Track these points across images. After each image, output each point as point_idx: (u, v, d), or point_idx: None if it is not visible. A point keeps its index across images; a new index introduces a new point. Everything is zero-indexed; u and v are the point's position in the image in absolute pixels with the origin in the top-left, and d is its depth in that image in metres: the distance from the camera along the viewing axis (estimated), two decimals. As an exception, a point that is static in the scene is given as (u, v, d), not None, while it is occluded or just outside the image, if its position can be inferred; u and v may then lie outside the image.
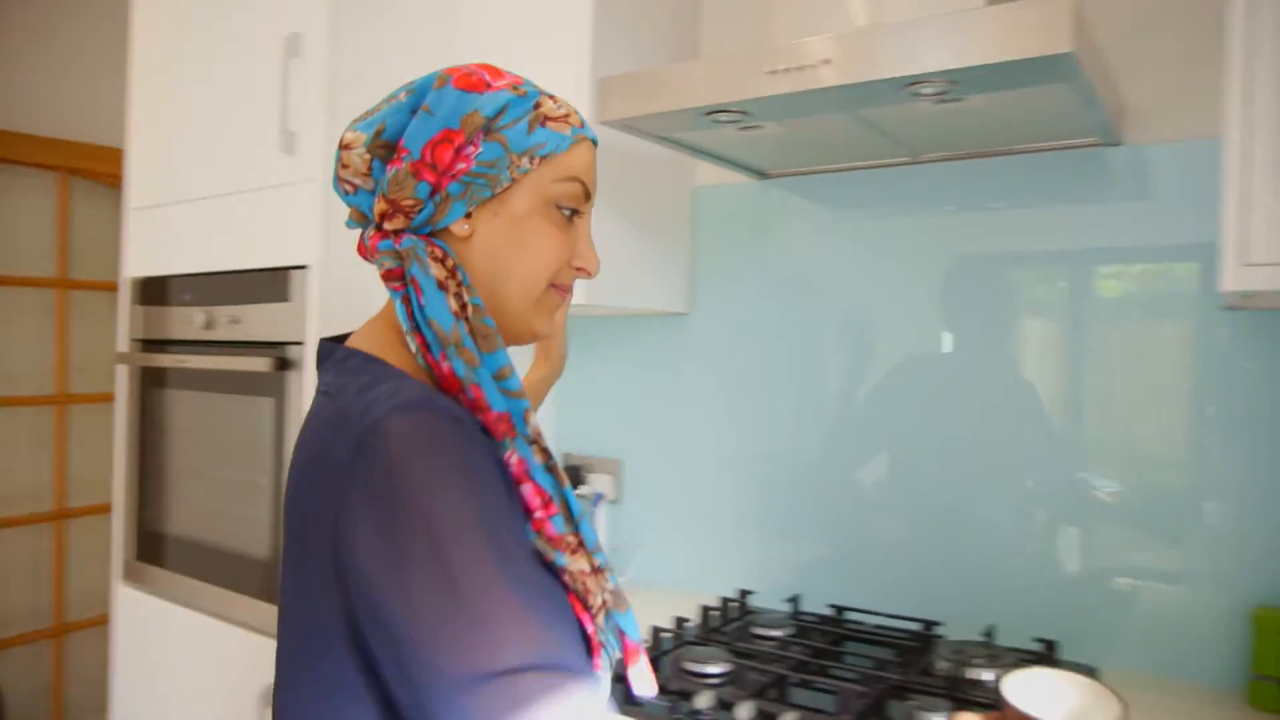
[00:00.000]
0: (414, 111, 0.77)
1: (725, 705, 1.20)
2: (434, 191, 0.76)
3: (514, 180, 0.78)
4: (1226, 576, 1.39)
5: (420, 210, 0.77)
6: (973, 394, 1.61)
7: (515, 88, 0.79)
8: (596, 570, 0.78)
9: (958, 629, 1.52)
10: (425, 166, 0.76)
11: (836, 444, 1.75)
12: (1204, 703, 1.33)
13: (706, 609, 1.59)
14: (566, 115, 0.81)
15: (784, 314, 1.81)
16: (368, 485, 0.67)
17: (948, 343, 1.65)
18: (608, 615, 0.79)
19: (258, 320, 1.67)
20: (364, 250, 0.82)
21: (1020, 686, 0.78)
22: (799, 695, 1.29)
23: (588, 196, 0.83)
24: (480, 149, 0.76)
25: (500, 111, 0.77)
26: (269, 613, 1.66)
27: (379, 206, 0.78)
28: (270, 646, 1.63)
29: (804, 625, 1.57)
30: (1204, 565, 1.41)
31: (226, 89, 1.75)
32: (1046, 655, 1.40)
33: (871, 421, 1.72)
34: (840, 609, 1.62)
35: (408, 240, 0.77)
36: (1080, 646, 1.45)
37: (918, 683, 1.28)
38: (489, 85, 0.78)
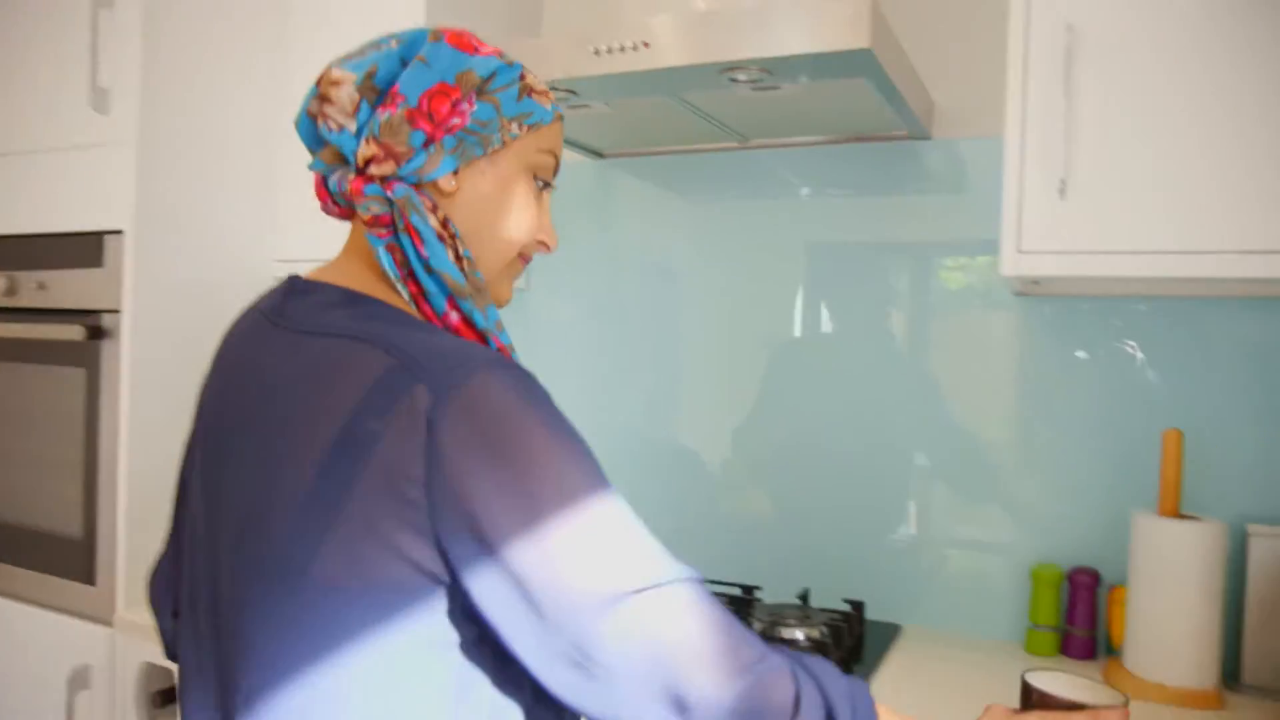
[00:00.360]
0: (405, 61, 0.76)
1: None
2: (428, 142, 0.75)
3: (504, 144, 0.78)
4: (1013, 541, 1.52)
5: (411, 159, 0.75)
6: (796, 373, 1.70)
7: (501, 56, 0.80)
8: None
9: (775, 593, 1.60)
10: (421, 116, 0.75)
11: (671, 420, 1.81)
12: (989, 652, 1.45)
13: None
14: (546, 91, 0.82)
15: (624, 293, 1.85)
16: (480, 438, 0.64)
17: (779, 325, 1.73)
18: None
19: (68, 287, 1.59)
20: (330, 196, 0.79)
21: (1039, 681, 0.90)
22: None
23: (557, 172, 0.85)
24: (475, 107, 0.76)
25: (492, 75, 0.78)
26: (81, 594, 1.59)
27: (366, 150, 0.75)
28: (81, 628, 1.57)
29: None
30: (995, 532, 1.54)
31: (33, 39, 1.64)
32: (855, 615, 1.50)
33: (705, 400, 1.79)
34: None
35: (401, 189, 0.75)
36: (885, 607, 1.56)
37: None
38: (477, 49, 0.78)
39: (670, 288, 1.81)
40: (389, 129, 0.74)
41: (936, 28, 1.56)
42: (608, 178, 1.86)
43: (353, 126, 0.76)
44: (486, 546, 0.63)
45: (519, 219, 0.81)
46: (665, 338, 1.82)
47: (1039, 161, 1.18)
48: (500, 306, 0.84)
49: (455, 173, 0.77)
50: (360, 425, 0.65)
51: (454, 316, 0.76)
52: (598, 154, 1.83)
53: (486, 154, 0.78)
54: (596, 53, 1.23)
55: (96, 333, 1.53)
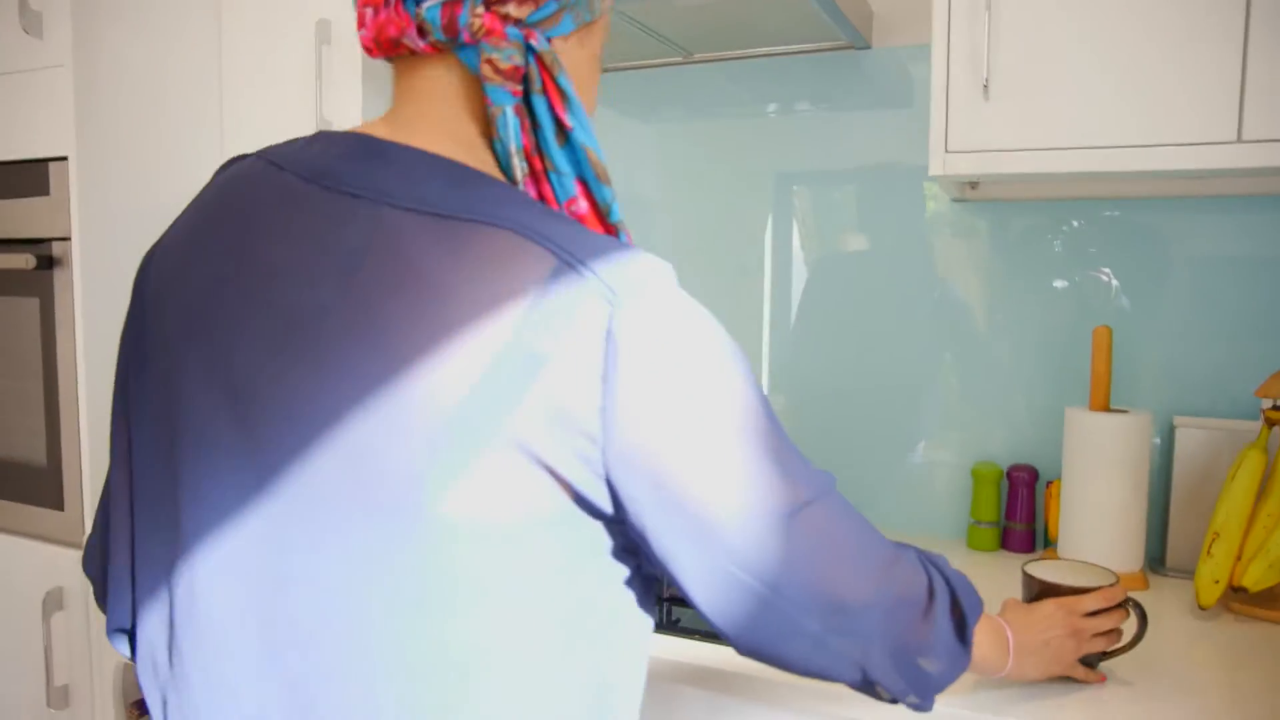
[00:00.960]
0: None
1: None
2: None
3: (602, 13, 0.68)
4: (954, 441, 1.58)
5: (542, 7, 0.62)
6: (751, 292, 1.73)
7: None
8: None
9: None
10: None
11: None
12: (933, 549, 1.51)
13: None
14: None
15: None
16: (660, 361, 0.57)
17: (728, 248, 1.75)
18: None
19: (16, 215, 1.59)
20: (420, 28, 0.60)
21: (1037, 570, 1.02)
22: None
23: None
24: None
25: None
26: (51, 519, 1.62)
27: None
28: (53, 552, 1.61)
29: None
30: (937, 434, 1.59)
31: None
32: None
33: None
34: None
35: (542, 40, 0.62)
36: (833, 508, 1.62)
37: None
38: None
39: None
40: None
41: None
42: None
43: None
44: (664, 478, 0.57)
45: (593, 98, 0.71)
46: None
47: (964, 64, 1.20)
48: None
49: (569, 36, 0.66)
50: (529, 339, 0.54)
51: (583, 205, 0.64)
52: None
53: (593, 20, 0.67)
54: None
55: (47, 261, 1.54)
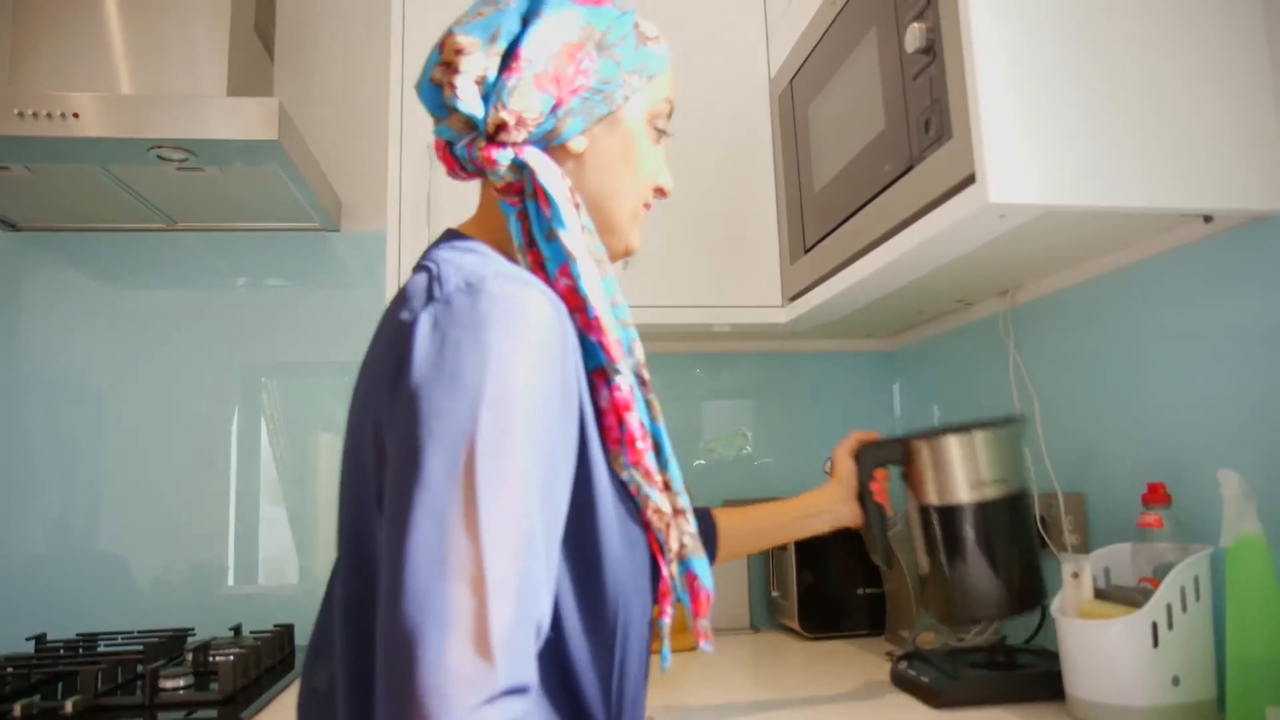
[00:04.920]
0: (526, 20, 0.74)
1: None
2: (556, 105, 0.74)
3: (626, 98, 0.78)
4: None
5: (541, 123, 0.74)
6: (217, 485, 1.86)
7: (613, 3, 0.80)
8: (678, 512, 0.78)
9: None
10: (548, 80, 0.73)
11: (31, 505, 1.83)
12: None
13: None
14: (658, 36, 0.81)
15: (33, 373, 1.83)
16: (428, 344, 0.60)
17: (184, 413, 1.88)
18: (683, 562, 0.78)
19: None
20: (457, 162, 0.76)
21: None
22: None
23: (670, 116, 0.84)
24: (598, 65, 0.76)
25: (609, 27, 0.77)
26: None
27: (498, 116, 0.72)
28: None
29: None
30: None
31: None
32: (285, 632, 1.67)
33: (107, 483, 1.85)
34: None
35: (532, 151, 0.73)
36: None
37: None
38: None
39: (85, 402, 1.85)
40: (518, 95, 0.72)
41: (339, 133, 1.93)
42: (19, 252, 1.86)
43: (481, 94, 0.74)
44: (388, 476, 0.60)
45: (645, 169, 0.81)
46: (55, 421, 1.84)
47: (411, 250, 1.57)
48: (629, 255, 0.87)
49: (584, 133, 0.77)
50: (378, 344, 0.66)
51: (563, 283, 0.71)
52: (11, 225, 1.83)
53: (611, 111, 0.78)
54: (22, 116, 1.34)
55: None
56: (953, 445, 1.13)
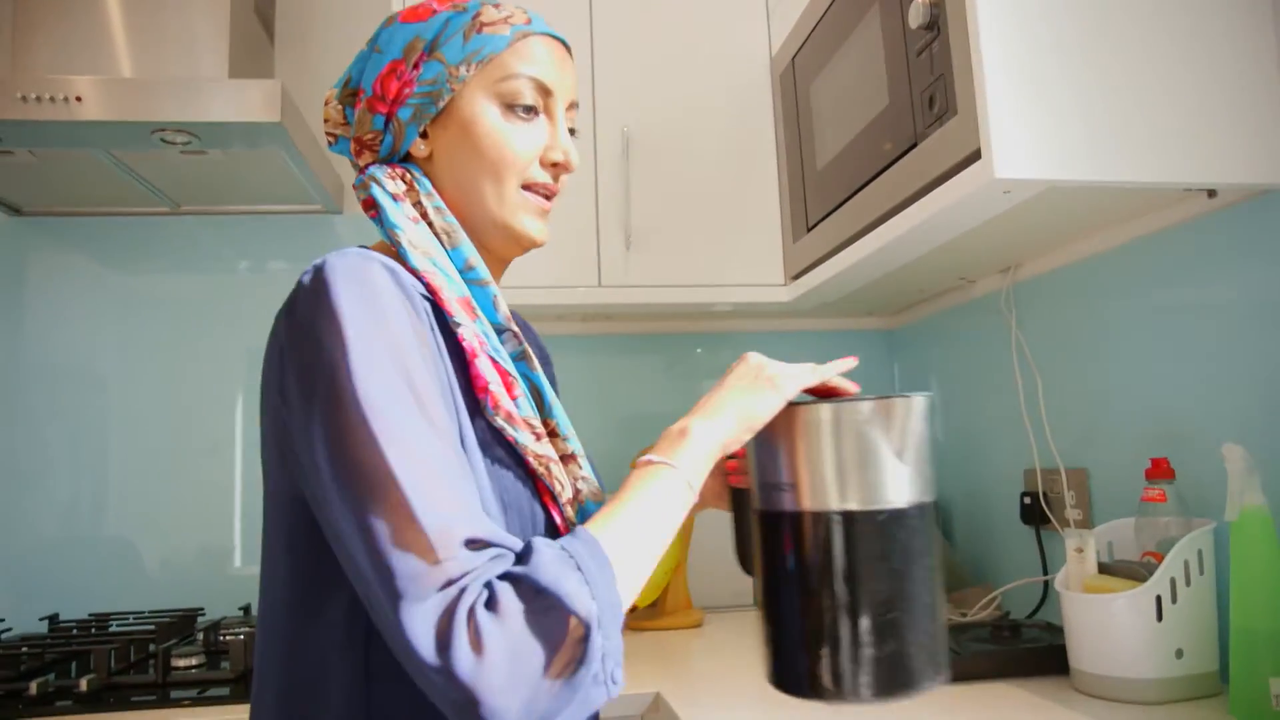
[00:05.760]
0: (366, 58, 0.82)
1: None
2: (387, 121, 0.79)
3: (455, 90, 0.78)
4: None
5: (381, 141, 0.80)
6: (222, 468, 1.88)
7: (456, 6, 0.81)
8: (568, 457, 0.79)
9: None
10: (377, 100, 0.79)
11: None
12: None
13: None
14: (507, 17, 0.80)
15: (40, 359, 1.84)
16: (290, 332, 0.67)
17: (189, 396, 1.89)
18: (581, 508, 0.77)
19: None
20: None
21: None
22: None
23: (547, 91, 0.81)
24: (421, 70, 0.78)
25: (442, 30, 0.79)
26: None
27: (352, 148, 0.83)
28: None
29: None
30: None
31: None
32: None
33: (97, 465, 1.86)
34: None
35: (370, 168, 0.79)
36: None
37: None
38: (434, 11, 0.80)
39: (97, 389, 1.86)
40: (359, 124, 0.81)
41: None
42: (23, 236, 1.86)
43: (347, 133, 0.84)
44: (301, 463, 0.66)
45: (497, 154, 0.78)
46: (67, 401, 1.85)
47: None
48: (533, 246, 0.83)
49: (424, 136, 0.80)
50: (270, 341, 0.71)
51: (425, 277, 0.73)
52: (14, 210, 1.83)
53: (441, 108, 0.79)
54: (25, 100, 1.34)
55: None
56: (827, 417, 0.70)
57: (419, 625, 0.56)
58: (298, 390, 0.65)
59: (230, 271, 1.90)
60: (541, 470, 0.73)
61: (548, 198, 0.82)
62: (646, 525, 0.67)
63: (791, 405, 0.72)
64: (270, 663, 0.71)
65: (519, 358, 0.77)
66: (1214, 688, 1.04)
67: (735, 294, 1.72)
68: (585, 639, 0.58)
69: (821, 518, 0.69)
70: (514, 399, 0.73)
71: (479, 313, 0.75)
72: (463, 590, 0.57)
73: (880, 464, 0.69)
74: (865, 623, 0.67)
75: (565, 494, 0.75)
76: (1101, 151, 1.02)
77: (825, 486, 0.69)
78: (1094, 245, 1.35)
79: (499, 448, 0.72)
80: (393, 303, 0.66)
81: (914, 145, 1.15)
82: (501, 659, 0.55)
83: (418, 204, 0.78)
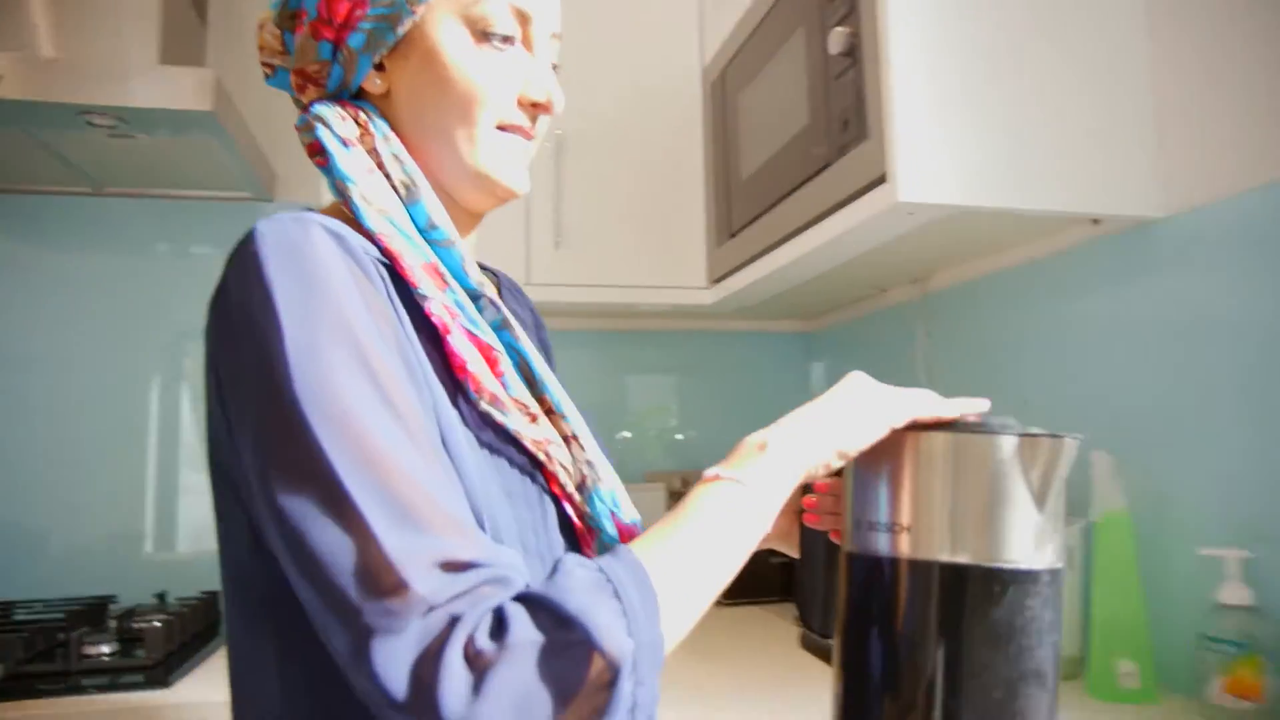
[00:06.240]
0: None
1: None
2: (335, 49, 0.66)
3: (416, 13, 0.66)
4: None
5: (328, 74, 0.68)
6: (125, 420, 1.86)
7: None
8: (570, 439, 0.68)
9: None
10: (323, 24, 0.66)
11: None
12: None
13: None
14: None
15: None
16: (218, 322, 0.59)
17: (104, 379, 1.86)
18: (591, 494, 0.67)
19: None
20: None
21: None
22: None
23: (526, 18, 0.69)
24: None
25: None
26: None
27: (293, 82, 0.70)
28: None
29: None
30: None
31: None
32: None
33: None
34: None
35: (315, 106, 0.67)
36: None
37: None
38: None
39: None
40: (300, 53, 0.68)
41: (273, 100, 1.91)
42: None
43: (287, 63, 0.71)
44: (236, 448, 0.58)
45: (467, 90, 0.67)
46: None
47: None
48: (511, 197, 0.71)
49: (380, 69, 0.68)
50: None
51: (380, 237, 0.63)
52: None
53: (401, 35, 0.66)
54: (-53, 78, 1.32)
55: None
56: (947, 447, 0.59)
57: (389, 664, 0.46)
58: (231, 391, 0.56)
59: (152, 254, 1.88)
60: (542, 456, 0.64)
61: (525, 137, 0.71)
62: (704, 551, 0.55)
63: (907, 430, 0.60)
64: (257, 688, 0.62)
65: (500, 326, 0.67)
66: (1075, 670, 1.14)
67: (661, 295, 1.78)
68: (612, 684, 0.47)
69: (926, 568, 0.57)
70: (499, 377, 0.63)
71: (449, 279, 0.64)
72: (455, 618, 0.46)
73: (1010, 513, 0.57)
74: (962, 700, 0.55)
75: (571, 481, 0.66)
76: (999, 181, 1.11)
77: (933, 532, 0.57)
78: (996, 263, 1.45)
79: (490, 431, 0.62)
80: (337, 272, 0.56)
81: (828, 165, 1.22)
82: (506, 703, 0.45)
83: (373, 150, 0.66)
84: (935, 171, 1.08)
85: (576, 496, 0.66)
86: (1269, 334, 1.00)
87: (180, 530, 1.84)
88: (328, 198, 0.69)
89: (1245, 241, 1.04)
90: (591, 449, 0.69)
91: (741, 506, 0.57)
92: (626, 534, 0.67)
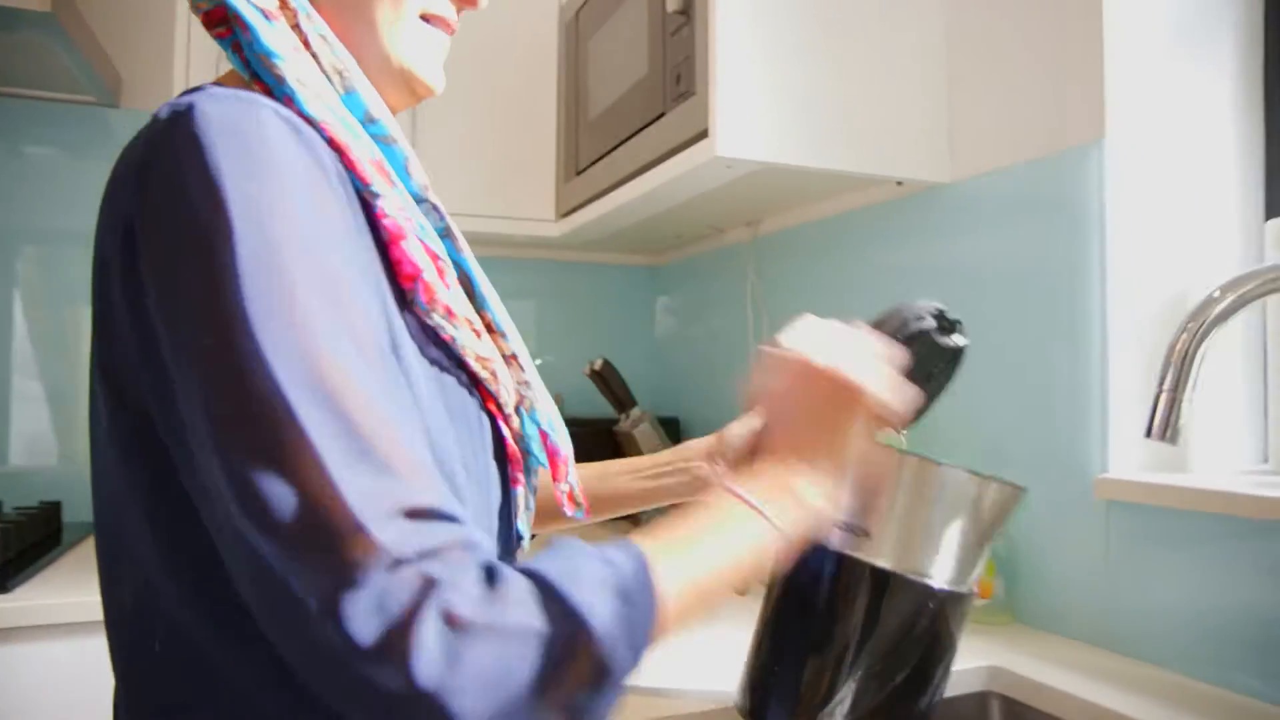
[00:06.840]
0: None
1: None
2: None
3: None
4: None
5: None
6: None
7: None
8: (510, 358, 0.64)
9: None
10: None
11: None
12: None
13: None
14: None
15: None
16: (144, 211, 0.48)
17: None
18: (526, 416, 0.64)
19: None
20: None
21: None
22: None
23: None
24: None
25: None
26: None
27: None
28: None
29: None
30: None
31: None
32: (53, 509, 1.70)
33: None
34: None
35: None
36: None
37: None
38: None
39: None
40: None
41: (122, 4, 1.86)
42: None
43: None
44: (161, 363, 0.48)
45: None
46: None
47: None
48: (429, 95, 0.66)
49: None
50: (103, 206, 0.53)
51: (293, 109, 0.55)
52: None
53: None
54: None
55: None
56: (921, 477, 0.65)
57: (350, 618, 0.40)
58: (159, 300, 0.47)
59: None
60: (485, 374, 0.59)
61: (445, 29, 0.66)
62: (719, 580, 0.53)
63: (889, 448, 0.64)
64: (145, 682, 0.54)
65: (444, 234, 0.62)
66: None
67: (512, 226, 1.86)
68: (595, 686, 0.44)
69: (865, 568, 0.64)
70: (448, 289, 0.57)
71: (395, 179, 0.57)
72: (431, 580, 0.41)
73: (953, 541, 0.65)
74: (874, 686, 0.64)
75: (510, 401, 0.62)
76: (811, 141, 1.24)
77: (884, 542, 0.64)
78: (817, 211, 1.60)
79: (434, 347, 0.57)
80: (296, 165, 0.48)
81: (662, 115, 1.32)
82: (481, 676, 0.41)
83: (296, 27, 0.57)
84: (752, 130, 1.20)
85: (515, 419, 0.63)
86: (1034, 283, 1.18)
87: (13, 440, 1.82)
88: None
89: (1016, 206, 1.20)
90: (530, 369, 0.66)
91: (768, 551, 0.57)
92: (553, 454, 0.66)
